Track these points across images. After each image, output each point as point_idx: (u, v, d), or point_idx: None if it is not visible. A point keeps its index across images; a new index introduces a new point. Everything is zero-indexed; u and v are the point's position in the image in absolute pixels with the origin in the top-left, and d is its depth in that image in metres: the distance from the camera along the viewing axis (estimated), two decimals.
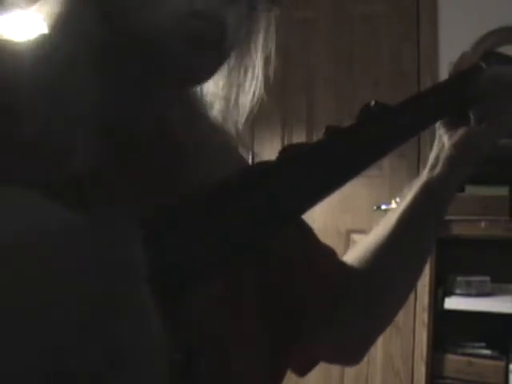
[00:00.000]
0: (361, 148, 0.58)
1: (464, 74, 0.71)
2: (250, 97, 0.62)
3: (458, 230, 2.11)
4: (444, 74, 2.40)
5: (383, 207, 2.38)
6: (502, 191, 2.13)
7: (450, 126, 0.70)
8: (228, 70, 0.61)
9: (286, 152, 0.53)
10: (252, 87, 0.62)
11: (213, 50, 0.54)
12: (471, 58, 0.73)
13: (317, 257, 0.70)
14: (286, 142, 2.67)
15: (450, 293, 2.15)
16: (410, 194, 0.70)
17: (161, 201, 0.45)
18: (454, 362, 2.07)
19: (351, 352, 0.76)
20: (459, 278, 2.15)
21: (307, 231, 0.72)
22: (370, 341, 0.76)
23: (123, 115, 0.55)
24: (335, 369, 2.46)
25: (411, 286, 0.74)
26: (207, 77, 0.57)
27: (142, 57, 0.53)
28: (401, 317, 2.31)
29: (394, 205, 2.38)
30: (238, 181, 0.49)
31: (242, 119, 0.63)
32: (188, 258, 0.44)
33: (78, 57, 0.50)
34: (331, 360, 0.78)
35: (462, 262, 2.21)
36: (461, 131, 0.69)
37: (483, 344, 2.09)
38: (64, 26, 0.51)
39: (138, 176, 0.54)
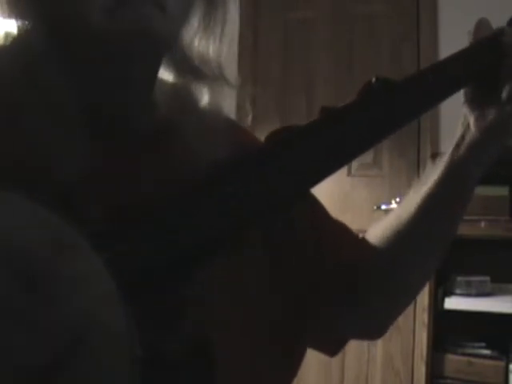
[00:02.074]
0: (354, 129, 0.56)
1: (486, 41, 0.65)
2: (227, 33, 0.61)
3: (458, 229, 2.11)
4: None
5: (383, 207, 2.37)
6: (502, 191, 2.13)
7: (476, 104, 0.65)
8: (201, 10, 0.59)
9: (276, 135, 0.52)
10: (227, 23, 0.60)
11: (156, 30, 0.52)
12: (489, 24, 0.67)
13: (331, 238, 0.69)
14: None
15: (450, 293, 2.15)
16: (432, 174, 0.66)
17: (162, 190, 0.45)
18: (454, 361, 2.07)
19: (374, 328, 0.76)
20: (459, 278, 2.15)
21: (320, 211, 0.71)
22: (392, 316, 0.75)
23: (105, 104, 0.55)
24: (335, 368, 2.45)
25: (433, 265, 0.72)
26: (170, 42, 0.55)
27: (89, 49, 0.52)
28: (401, 317, 2.31)
29: (394, 205, 2.38)
30: (231, 165, 0.48)
31: (223, 59, 0.61)
32: (185, 242, 0.44)
33: (43, 55, 0.50)
34: (356, 337, 0.77)
35: (462, 262, 2.21)
36: (490, 115, 0.63)
37: (483, 344, 2.09)
38: (22, 22, 0.51)
39: (137, 168, 0.54)
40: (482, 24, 0.67)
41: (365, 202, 2.45)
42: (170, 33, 0.54)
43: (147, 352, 0.37)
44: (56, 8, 0.51)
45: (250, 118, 0.68)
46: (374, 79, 0.56)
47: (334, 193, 2.46)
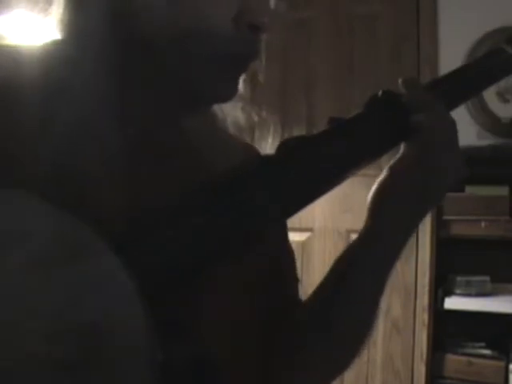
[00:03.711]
0: (360, 142, 0.56)
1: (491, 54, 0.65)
2: None
3: (457, 229, 2.11)
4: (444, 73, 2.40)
5: None
6: (502, 191, 2.13)
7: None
8: None
9: (285, 146, 0.52)
10: None
11: (243, 70, 0.53)
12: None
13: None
14: None
15: (450, 293, 2.15)
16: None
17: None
18: (454, 362, 2.07)
19: None
20: (459, 278, 2.15)
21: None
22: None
23: (141, 123, 0.54)
24: None
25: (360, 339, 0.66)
26: (230, 98, 0.56)
27: (167, 70, 0.52)
28: (401, 317, 2.31)
29: None
30: (236, 175, 0.49)
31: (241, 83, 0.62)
32: (175, 256, 0.44)
33: (96, 63, 0.49)
34: None
35: (462, 262, 2.21)
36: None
37: (483, 344, 2.09)
38: (78, 31, 0.51)
39: (155, 174, 0.54)
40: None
41: (365, 201, 2.44)
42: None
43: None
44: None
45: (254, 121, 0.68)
46: (380, 92, 0.57)
47: (333, 193, 2.45)
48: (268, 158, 0.51)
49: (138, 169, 0.52)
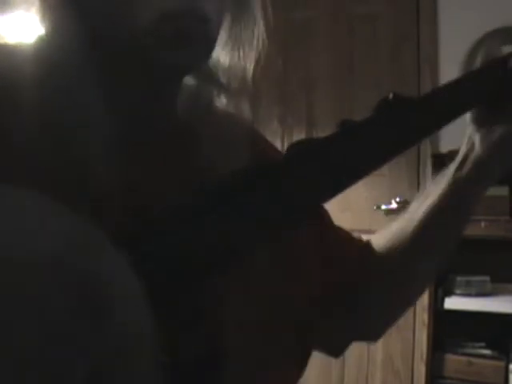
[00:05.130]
0: (371, 145, 0.56)
1: (495, 64, 0.67)
2: (254, 48, 0.60)
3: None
4: (444, 73, 2.40)
5: (383, 207, 2.37)
6: (502, 191, 2.13)
7: (482, 123, 0.66)
8: (228, 24, 0.58)
9: (294, 148, 0.52)
10: (255, 38, 0.60)
11: (199, 42, 0.52)
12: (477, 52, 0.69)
13: (336, 251, 0.70)
14: (285, 142, 2.67)
15: (450, 293, 2.15)
16: (436, 190, 0.68)
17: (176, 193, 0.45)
18: (454, 362, 2.07)
19: (372, 333, 0.79)
20: (459, 278, 2.15)
21: (326, 221, 0.73)
22: (389, 323, 0.77)
23: (128, 114, 0.55)
24: (335, 368, 2.45)
25: (432, 276, 0.76)
26: (198, 65, 0.56)
27: (129, 59, 0.52)
28: None
29: (394, 205, 2.38)
30: (248, 176, 0.48)
31: (249, 73, 0.61)
32: (196, 252, 0.44)
33: (75, 61, 0.50)
34: (355, 340, 0.79)
35: (462, 262, 2.21)
36: (495, 133, 0.65)
37: (483, 344, 2.09)
38: (55, 29, 0.52)
39: (152, 170, 0.54)
40: (471, 55, 0.69)
41: (365, 201, 2.45)
42: (211, 45, 0.54)
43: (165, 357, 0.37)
44: (100, 19, 0.52)
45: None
46: (390, 95, 0.56)
47: None
48: (279, 160, 0.51)
49: (137, 167, 0.53)
